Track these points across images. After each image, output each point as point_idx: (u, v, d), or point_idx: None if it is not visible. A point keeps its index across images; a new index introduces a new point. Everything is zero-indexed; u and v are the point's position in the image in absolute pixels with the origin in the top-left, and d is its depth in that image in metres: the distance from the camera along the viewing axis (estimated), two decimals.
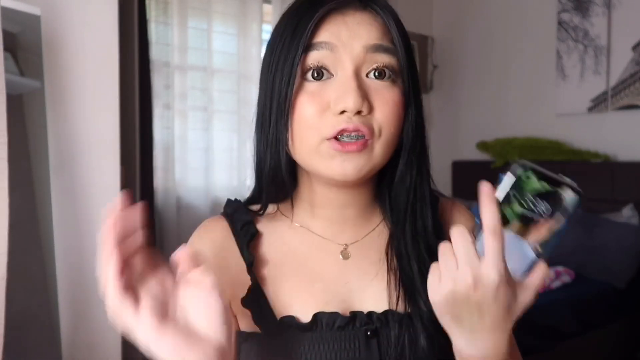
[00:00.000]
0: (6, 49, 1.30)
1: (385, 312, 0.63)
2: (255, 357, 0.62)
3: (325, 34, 0.59)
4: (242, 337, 0.65)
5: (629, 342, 2.45)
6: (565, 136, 3.03)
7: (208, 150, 2.78)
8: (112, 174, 1.65)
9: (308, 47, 0.59)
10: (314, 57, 0.59)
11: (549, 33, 3.13)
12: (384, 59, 0.60)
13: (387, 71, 0.60)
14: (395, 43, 0.61)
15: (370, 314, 0.63)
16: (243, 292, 0.63)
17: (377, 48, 0.60)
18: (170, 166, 2.67)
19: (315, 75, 0.60)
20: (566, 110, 3.05)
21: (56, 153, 1.54)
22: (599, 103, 2.91)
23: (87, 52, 1.60)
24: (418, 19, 3.71)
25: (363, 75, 0.60)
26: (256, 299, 0.63)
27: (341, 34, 0.59)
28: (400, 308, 0.63)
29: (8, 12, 1.35)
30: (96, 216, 1.62)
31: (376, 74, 0.60)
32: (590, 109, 2.94)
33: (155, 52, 2.61)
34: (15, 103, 1.39)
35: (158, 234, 2.60)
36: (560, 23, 3.09)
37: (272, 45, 0.63)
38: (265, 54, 0.64)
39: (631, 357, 2.43)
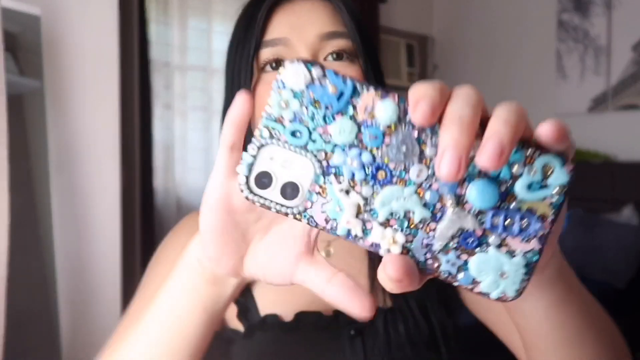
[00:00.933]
0: (6, 49, 1.30)
1: None
2: (237, 357, 0.61)
3: (277, 28, 0.60)
4: (226, 337, 0.63)
5: (629, 342, 2.45)
6: None
7: (208, 150, 2.78)
8: (112, 174, 1.65)
9: (262, 44, 0.59)
10: (268, 53, 0.59)
11: (549, 33, 3.13)
12: (339, 44, 0.60)
13: (344, 54, 0.60)
14: (347, 28, 0.61)
15: None
16: None
17: (331, 35, 0.60)
18: (170, 166, 2.67)
19: (274, 65, 0.60)
20: (566, 110, 3.05)
21: (56, 153, 1.54)
22: (599, 103, 2.91)
23: (87, 52, 1.60)
24: (418, 19, 3.71)
25: (321, 58, 0.60)
26: (242, 294, 0.62)
27: (293, 26, 0.59)
28: (388, 303, 0.62)
29: (8, 12, 1.35)
30: (96, 216, 1.62)
31: (334, 56, 0.60)
32: (591, 109, 2.94)
33: (155, 52, 2.61)
34: (15, 103, 1.39)
35: (158, 234, 2.60)
36: (560, 23, 3.08)
37: (230, 42, 0.64)
38: (227, 51, 0.65)
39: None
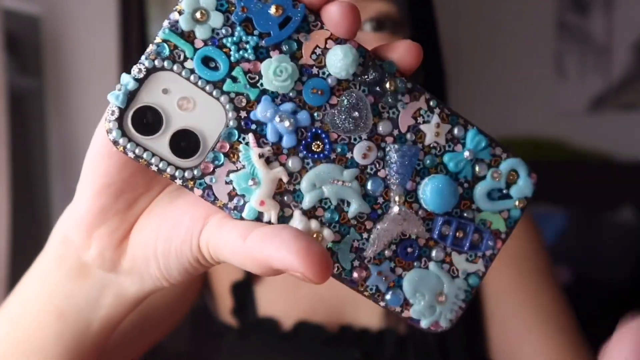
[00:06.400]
0: (6, 48, 1.30)
1: (381, 331, 0.52)
2: (228, 355, 0.57)
3: None
4: (216, 330, 0.59)
5: None
6: (565, 136, 3.03)
7: None
8: None
9: None
10: None
11: (549, 32, 3.13)
12: (379, 7, 0.45)
13: (387, 22, 0.46)
14: None
15: (364, 332, 0.53)
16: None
17: None
18: None
19: None
20: (566, 109, 3.05)
21: (57, 153, 1.54)
22: (599, 102, 2.90)
23: (88, 52, 1.60)
24: None
25: None
26: (242, 288, 0.57)
27: None
28: (402, 329, 0.53)
29: (8, 12, 1.36)
30: None
31: (373, 24, 0.45)
32: (591, 109, 2.94)
33: None
34: (15, 103, 1.39)
35: None
36: (560, 23, 3.08)
37: None
38: None
39: None
